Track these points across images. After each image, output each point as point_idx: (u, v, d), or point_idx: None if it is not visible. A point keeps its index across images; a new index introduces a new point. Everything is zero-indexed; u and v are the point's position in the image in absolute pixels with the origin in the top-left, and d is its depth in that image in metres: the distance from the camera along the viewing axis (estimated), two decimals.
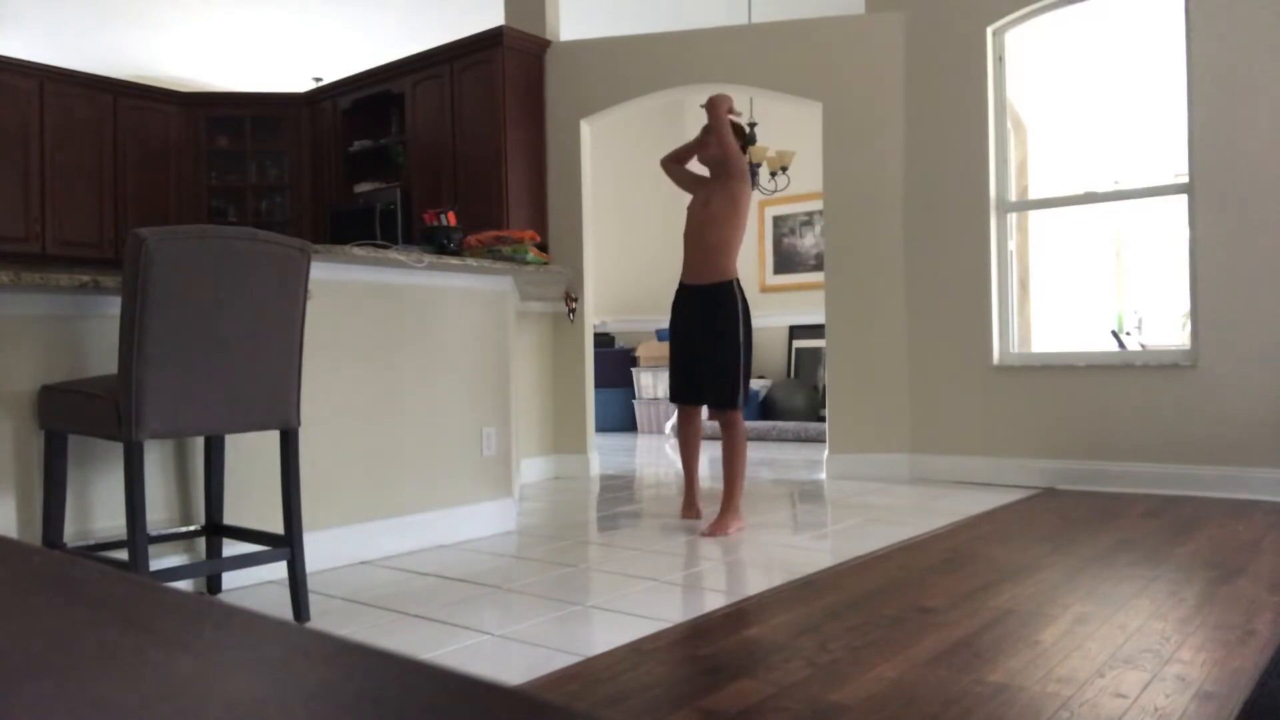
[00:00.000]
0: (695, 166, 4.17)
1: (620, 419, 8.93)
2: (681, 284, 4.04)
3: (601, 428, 7.81)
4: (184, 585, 2.76)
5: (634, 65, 5.61)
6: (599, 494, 5.07)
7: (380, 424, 3.46)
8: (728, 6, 6.68)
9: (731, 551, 3.49)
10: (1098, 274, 7.82)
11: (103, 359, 2.76)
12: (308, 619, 2.64)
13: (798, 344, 8.64)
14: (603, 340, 8.61)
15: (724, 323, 3.88)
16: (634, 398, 8.87)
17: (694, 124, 9.23)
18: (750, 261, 9.20)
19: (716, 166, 3.96)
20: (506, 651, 2.35)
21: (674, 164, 4.20)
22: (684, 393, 4.04)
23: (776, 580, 3.02)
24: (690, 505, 4.13)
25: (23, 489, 2.65)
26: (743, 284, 3.99)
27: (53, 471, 2.61)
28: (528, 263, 3.88)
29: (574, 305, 5.57)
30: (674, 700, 1.96)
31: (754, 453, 6.63)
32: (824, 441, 5.70)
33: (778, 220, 9.01)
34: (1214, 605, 2.60)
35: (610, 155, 8.40)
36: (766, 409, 8.22)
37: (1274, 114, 4.34)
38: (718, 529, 3.78)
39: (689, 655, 2.28)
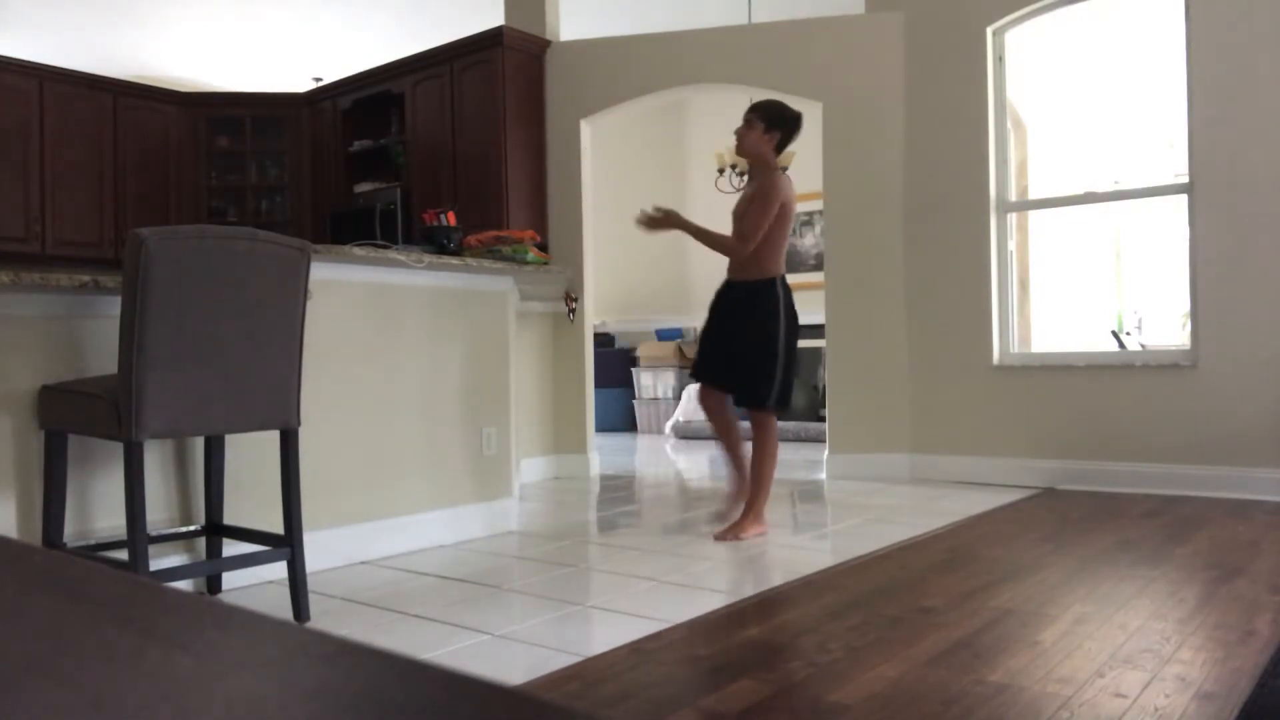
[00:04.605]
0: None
1: (620, 419, 8.92)
2: (727, 280, 3.86)
3: (601, 428, 7.80)
4: (184, 585, 2.76)
5: (634, 65, 5.61)
6: (599, 494, 5.07)
7: (380, 424, 3.46)
8: (728, 6, 6.68)
9: (732, 551, 3.49)
10: (1098, 274, 7.82)
11: (103, 359, 2.76)
12: (308, 619, 2.64)
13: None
14: (603, 340, 8.61)
15: (751, 320, 3.72)
16: (634, 398, 8.87)
17: (694, 124, 9.29)
18: None
19: (754, 165, 3.85)
20: (506, 651, 2.35)
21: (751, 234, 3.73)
22: (698, 369, 3.90)
23: (776, 580, 3.03)
24: (734, 504, 3.85)
25: (23, 489, 2.65)
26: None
27: (53, 471, 2.61)
28: (528, 263, 3.88)
29: (574, 305, 5.57)
30: (674, 700, 1.96)
31: None
32: (824, 441, 5.70)
33: None
34: (1214, 605, 2.60)
35: (610, 155, 8.40)
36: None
37: (1274, 114, 4.34)
38: (729, 534, 3.65)
39: (689, 655, 2.28)
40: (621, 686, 2.06)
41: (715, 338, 3.84)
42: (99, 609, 0.49)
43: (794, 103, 5.61)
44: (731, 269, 3.82)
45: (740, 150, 3.84)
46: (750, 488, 3.77)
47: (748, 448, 3.86)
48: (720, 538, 3.66)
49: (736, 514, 3.80)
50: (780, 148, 3.80)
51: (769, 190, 3.68)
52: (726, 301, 3.83)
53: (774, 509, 4.48)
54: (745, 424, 3.85)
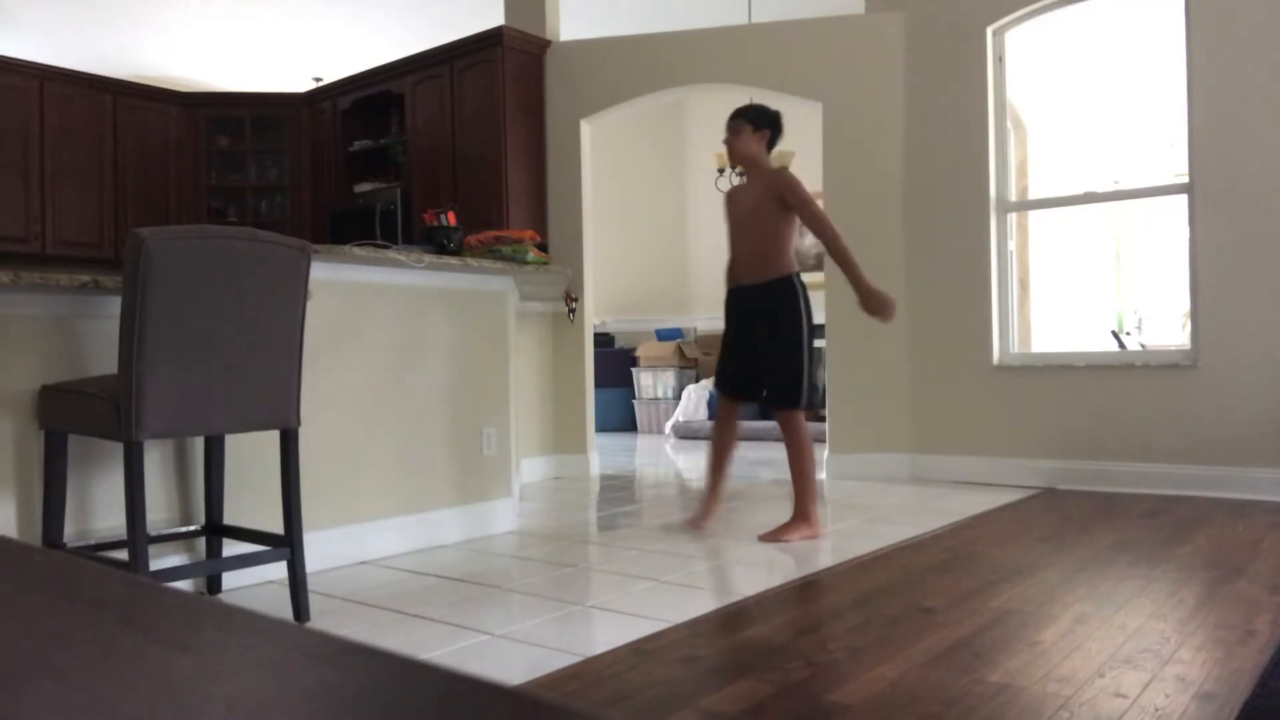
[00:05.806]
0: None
1: (620, 419, 8.92)
2: (737, 285, 3.82)
3: (601, 428, 7.80)
4: (184, 585, 2.76)
5: (634, 65, 5.61)
6: (599, 494, 5.07)
7: (380, 424, 3.46)
8: (728, 6, 6.68)
9: (731, 551, 3.49)
10: (1098, 274, 7.82)
11: (103, 359, 2.76)
12: (308, 619, 2.64)
13: None
14: (603, 340, 8.60)
15: (776, 321, 3.67)
16: (634, 398, 8.87)
17: (694, 124, 9.29)
18: None
19: (751, 167, 3.84)
20: (506, 651, 2.35)
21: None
22: (723, 381, 3.84)
23: (776, 580, 3.02)
24: (707, 513, 3.84)
25: (23, 489, 2.65)
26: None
27: (53, 471, 2.61)
28: (528, 263, 3.88)
29: (574, 305, 5.57)
30: (674, 700, 1.96)
31: (754, 452, 6.62)
32: (824, 441, 5.70)
33: None
34: (1214, 605, 2.60)
35: (610, 155, 8.40)
36: (767, 409, 8.22)
37: (1274, 114, 4.34)
38: (776, 535, 3.61)
39: (689, 655, 2.28)
40: (621, 686, 2.06)
41: (741, 347, 3.77)
42: (99, 609, 0.49)
43: (794, 103, 5.63)
44: (748, 272, 3.77)
45: (733, 158, 3.85)
46: (796, 489, 3.70)
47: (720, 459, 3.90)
48: (766, 539, 3.62)
49: (710, 519, 3.85)
50: (771, 144, 3.81)
51: (791, 181, 3.71)
52: (746, 305, 3.75)
53: (774, 509, 4.48)
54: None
